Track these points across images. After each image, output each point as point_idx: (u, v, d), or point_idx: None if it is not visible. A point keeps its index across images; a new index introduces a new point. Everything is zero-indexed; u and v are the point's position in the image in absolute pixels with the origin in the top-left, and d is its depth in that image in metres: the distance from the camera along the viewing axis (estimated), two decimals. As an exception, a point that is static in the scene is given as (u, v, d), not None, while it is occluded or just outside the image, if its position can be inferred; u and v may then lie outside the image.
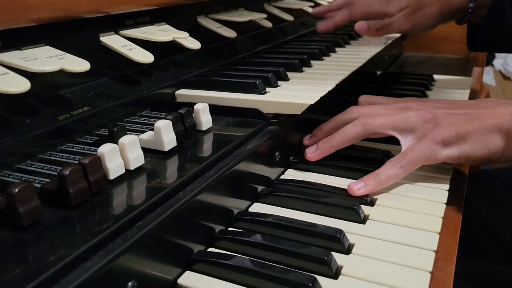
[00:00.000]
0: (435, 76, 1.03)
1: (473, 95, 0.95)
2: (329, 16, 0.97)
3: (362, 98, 0.67)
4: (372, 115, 0.58)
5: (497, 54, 2.60)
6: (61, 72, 0.48)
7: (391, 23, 0.87)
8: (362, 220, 0.49)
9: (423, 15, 0.85)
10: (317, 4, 1.18)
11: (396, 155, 0.55)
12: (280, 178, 0.58)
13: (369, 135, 0.58)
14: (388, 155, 0.62)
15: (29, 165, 0.43)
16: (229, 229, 0.48)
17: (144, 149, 0.46)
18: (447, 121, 0.53)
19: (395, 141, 0.58)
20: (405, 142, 0.56)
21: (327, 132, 0.61)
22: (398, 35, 1.07)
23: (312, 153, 0.59)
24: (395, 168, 0.53)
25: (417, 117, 0.55)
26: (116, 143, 0.43)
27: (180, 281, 0.41)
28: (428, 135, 0.53)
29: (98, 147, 0.42)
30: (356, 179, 0.57)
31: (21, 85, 0.43)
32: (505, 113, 0.52)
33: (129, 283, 0.35)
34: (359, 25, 0.90)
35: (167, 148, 0.48)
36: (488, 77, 2.56)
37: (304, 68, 0.76)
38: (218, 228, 0.47)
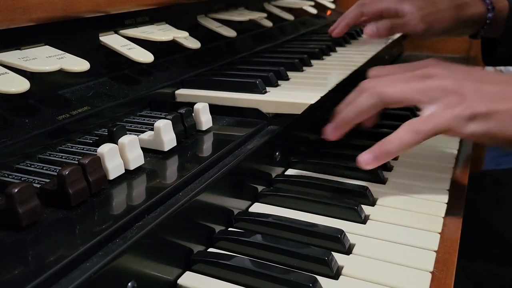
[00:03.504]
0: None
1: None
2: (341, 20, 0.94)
3: (373, 70, 0.60)
4: (388, 84, 0.53)
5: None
6: (61, 72, 0.48)
7: (406, 23, 0.84)
8: (363, 220, 0.49)
9: (439, 18, 0.82)
10: (317, 4, 1.18)
11: (415, 119, 0.49)
12: (280, 178, 0.58)
13: (386, 105, 0.53)
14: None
15: (29, 165, 0.43)
16: (229, 229, 0.48)
17: (143, 149, 0.46)
18: (477, 95, 0.49)
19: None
20: (427, 110, 0.50)
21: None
22: (398, 34, 1.06)
23: (332, 133, 0.56)
24: (412, 134, 0.48)
25: (442, 87, 0.50)
26: (116, 143, 0.43)
27: (180, 281, 0.40)
28: (456, 107, 0.48)
29: (98, 147, 0.42)
30: (357, 178, 0.57)
31: (21, 85, 0.43)
32: None
33: (129, 284, 0.35)
34: (368, 29, 0.86)
35: (167, 148, 0.48)
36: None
37: (304, 68, 0.75)
38: (218, 228, 0.47)
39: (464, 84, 0.50)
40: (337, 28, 0.93)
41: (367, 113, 0.54)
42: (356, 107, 0.53)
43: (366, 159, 0.48)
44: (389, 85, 0.52)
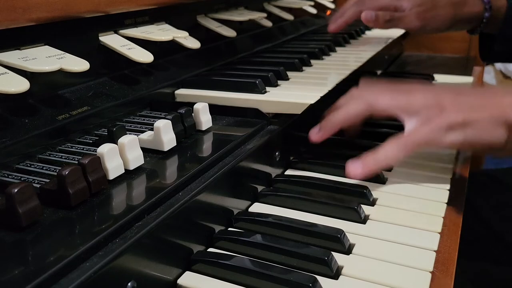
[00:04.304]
0: (436, 76, 1.03)
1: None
2: (339, 16, 0.94)
3: (364, 80, 0.65)
4: (377, 94, 0.57)
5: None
6: (61, 72, 0.48)
7: (402, 18, 0.85)
8: (363, 220, 0.49)
9: (435, 15, 0.84)
10: (317, 4, 1.18)
11: (398, 135, 0.53)
12: (280, 177, 0.58)
13: (372, 113, 0.57)
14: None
15: (29, 165, 0.43)
16: (229, 229, 0.48)
17: (143, 149, 0.46)
18: (454, 107, 0.52)
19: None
20: (409, 124, 0.54)
21: None
22: (398, 34, 1.07)
23: (316, 134, 0.58)
24: (395, 148, 0.52)
25: (423, 100, 0.54)
26: (116, 143, 0.43)
27: (180, 281, 0.40)
28: (434, 119, 0.52)
29: (98, 147, 0.42)
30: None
31: (21, 85, 0.43)
32: (511, 103, 0.51)
33: (129, 284, 0.35)
34: (367, 15, 0.85)
35: (166, 148, 0.48)
36: (489, 76, 2.55)
37: (304, 68, 0.75)
38: (218, 228, 0.47)
39: (443, 97, 0.54)
40: (335, 24, 0.93)
41: (354, 119, 0.57)
42: (345, 111, 0.57)
43: (356, 168, 0.52)
44: (378, 95, 0.56)
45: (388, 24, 0.86)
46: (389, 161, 0.52)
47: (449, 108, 0.52)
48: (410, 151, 0.52)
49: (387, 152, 0.52)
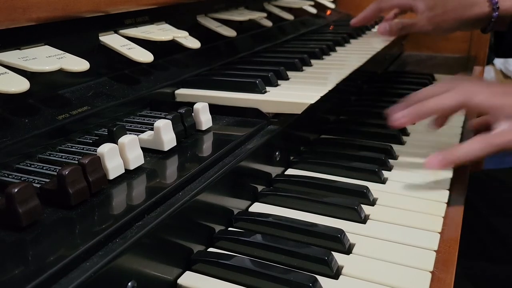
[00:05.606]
0: (436, 75, 1.03)
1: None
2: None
3: (457, 76, 0.66)
4: (474, 90, 0.55)
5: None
6: (61, 71, 0.48)
7: (414, 24, 0.90)
8: (363, 220, 0.49)
9: (446, 19, 0.86)
10: (317, 4, 1.18)
11: (488, 133, 0.52)
12: (280, 177, 0.58)
13: (467, 108, 0.56)
14: (390, 153, 0.62)
15: (29, 165, 0.43)
16: (229, 229, 0.48)
17: (143, 149, 0.46)
18: None
19: (394, 140, 0.58)
20: (500, 125, 0.54)
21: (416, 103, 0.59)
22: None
23: (400, 119, 0.56)
24: (481, 145, 0.51)
25: None
26: (116, 143, 0.43)
27: (180, 281, 0.40)
28: None
29: (98, 147, 0.42)
30: (357, 178, 0.57)
31: (21, 84, 0.43)
32: None
33: (129, 283, 0.35)
34: (381, 28, 0.94)
35: (166, 147, 0.48)
36: (489, 76, 2.55)
37: (304, 67, 0.75)
38: (218, 228, 0.47)
39: None
40: (355, 18, 1.00)
41: (447, 111, 0.56)
42: (439, 101, 0.55)
43: (435, 160, 0.51)
44: (476, 91, 0.55)
45: (401, 32, 0.92)
46: (471, 155, 0.51)
47: None
48: (494, 151, 0.51)
49: (471, 146, 0.51)
